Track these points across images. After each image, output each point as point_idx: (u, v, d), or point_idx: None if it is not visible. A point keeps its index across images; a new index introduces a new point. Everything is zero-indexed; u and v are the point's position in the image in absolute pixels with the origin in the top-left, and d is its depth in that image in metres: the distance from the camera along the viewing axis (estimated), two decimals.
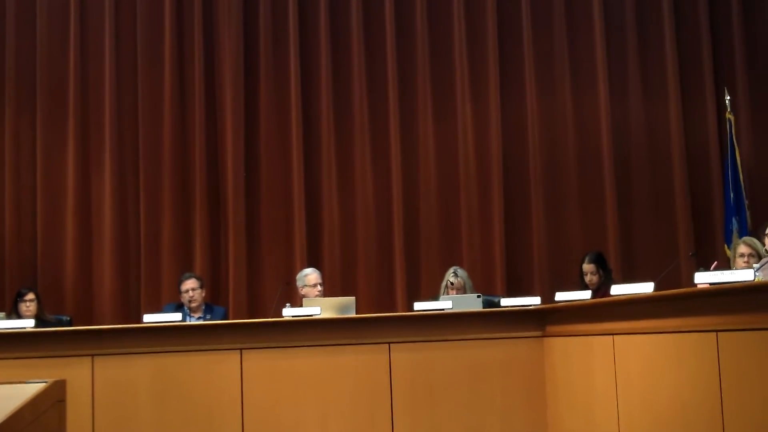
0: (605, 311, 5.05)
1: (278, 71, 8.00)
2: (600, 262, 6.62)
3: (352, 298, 6.21)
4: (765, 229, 5.06)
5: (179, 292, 6.69)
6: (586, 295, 5.64)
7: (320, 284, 6.67)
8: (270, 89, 7.98)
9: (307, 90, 8.00)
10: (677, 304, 4.37)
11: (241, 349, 5.69)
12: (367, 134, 8.00)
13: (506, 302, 5.98)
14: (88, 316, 7.58)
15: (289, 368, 5.69)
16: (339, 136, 7.99)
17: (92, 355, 5.67)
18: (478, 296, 6.07)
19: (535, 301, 5.91)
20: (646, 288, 4.72)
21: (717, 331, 3.96)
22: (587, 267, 6.57)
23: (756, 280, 4.07)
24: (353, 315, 6.02)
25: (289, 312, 5.93)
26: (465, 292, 6.51)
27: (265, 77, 7.99)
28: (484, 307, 5.94)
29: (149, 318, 5.92)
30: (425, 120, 8.01)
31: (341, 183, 7.98)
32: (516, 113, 8.02)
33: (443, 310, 5.88)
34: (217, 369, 5.68)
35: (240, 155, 7.86)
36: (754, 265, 4.87)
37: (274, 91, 7.98)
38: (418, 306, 6.02)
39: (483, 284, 7.56)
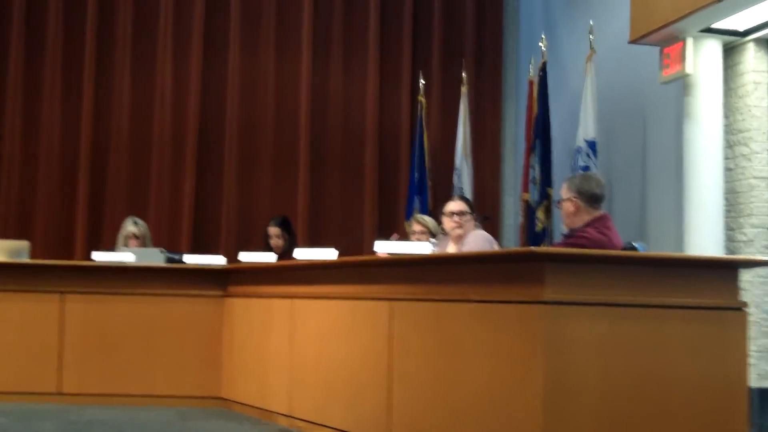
0: (286, 274, 5.12)
1: None
2: (285, 226, 6.54)
3: (26, 242, 5.86)
4: (442, 209, 5.30)
5: None
6: (270, 257, 5.65)
7: None
8: None
9: None
10: (356, 271, 4.52)
11: None
12: (59, 78, 7.61)
13: (189, 259, 5.86)
14: None
15: None
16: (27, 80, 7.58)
17: None
18: (161, 251, 5.93)
19: (219, 260, 5.85)
20: (330, 254, 4.70)
21: (391, 300, 4.13)
22: (272, 230, 6.53)
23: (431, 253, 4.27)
24: (26, 260, 5.69)
25: None
26: (146, 245, 6.33)
27: None
28: (166, 263, 5.81)
29: None
30: (122, 73, 7.73)
31: (25, 121, 7.52)
32: (217, 72, 7.90)
33: (124, 262, 5.69)
34: None
35: None
36: (431, 240, 5.10)
37: None
38: (98, 256, 5.77)
39: (168, 239, 7.40)
